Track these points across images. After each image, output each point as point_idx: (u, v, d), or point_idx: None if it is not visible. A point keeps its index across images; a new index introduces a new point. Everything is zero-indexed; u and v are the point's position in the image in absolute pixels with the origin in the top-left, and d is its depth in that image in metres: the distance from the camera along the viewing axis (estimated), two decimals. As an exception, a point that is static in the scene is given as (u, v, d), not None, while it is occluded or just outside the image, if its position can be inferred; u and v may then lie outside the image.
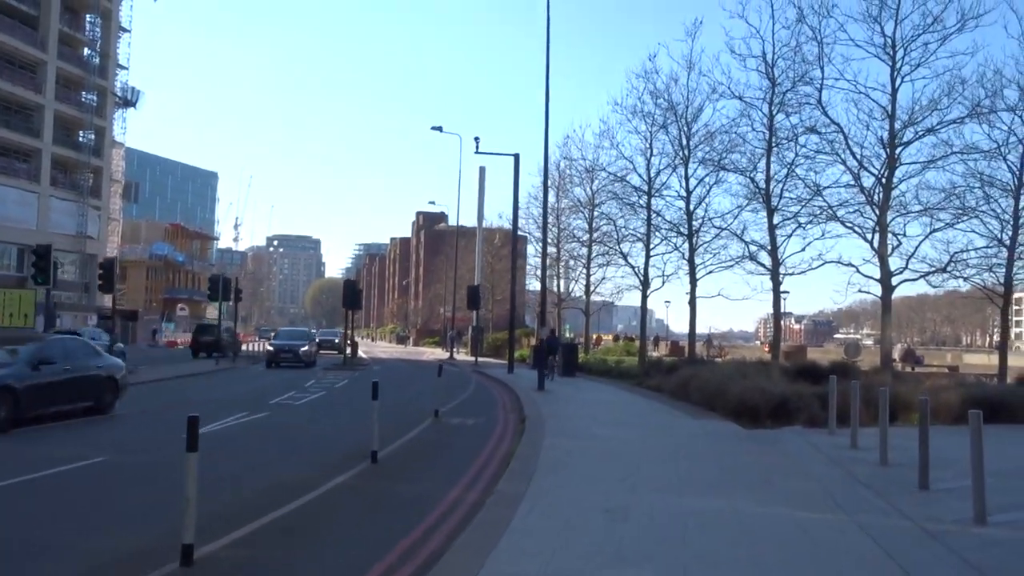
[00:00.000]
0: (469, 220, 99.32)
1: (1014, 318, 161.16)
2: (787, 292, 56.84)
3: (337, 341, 52.34)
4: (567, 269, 45.25)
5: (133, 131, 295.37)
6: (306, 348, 35.93)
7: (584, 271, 42.06)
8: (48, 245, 22.49)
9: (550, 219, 45.58)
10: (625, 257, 35.79)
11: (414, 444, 13.01)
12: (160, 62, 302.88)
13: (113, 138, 70.64)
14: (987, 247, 23.25)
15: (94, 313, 59.22)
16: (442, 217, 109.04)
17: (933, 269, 20.82)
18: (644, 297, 33.59)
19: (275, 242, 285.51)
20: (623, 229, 35.45)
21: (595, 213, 39.15)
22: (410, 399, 21.38)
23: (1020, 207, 23.44)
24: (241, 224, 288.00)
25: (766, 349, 55.04)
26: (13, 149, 58.36)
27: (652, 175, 32.06)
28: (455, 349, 55.55)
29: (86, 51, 66.56)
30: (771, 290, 24.95)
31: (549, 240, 47.37)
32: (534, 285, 51.94)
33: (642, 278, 33.24)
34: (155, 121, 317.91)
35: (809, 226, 23.89)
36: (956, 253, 20.81)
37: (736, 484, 9.10)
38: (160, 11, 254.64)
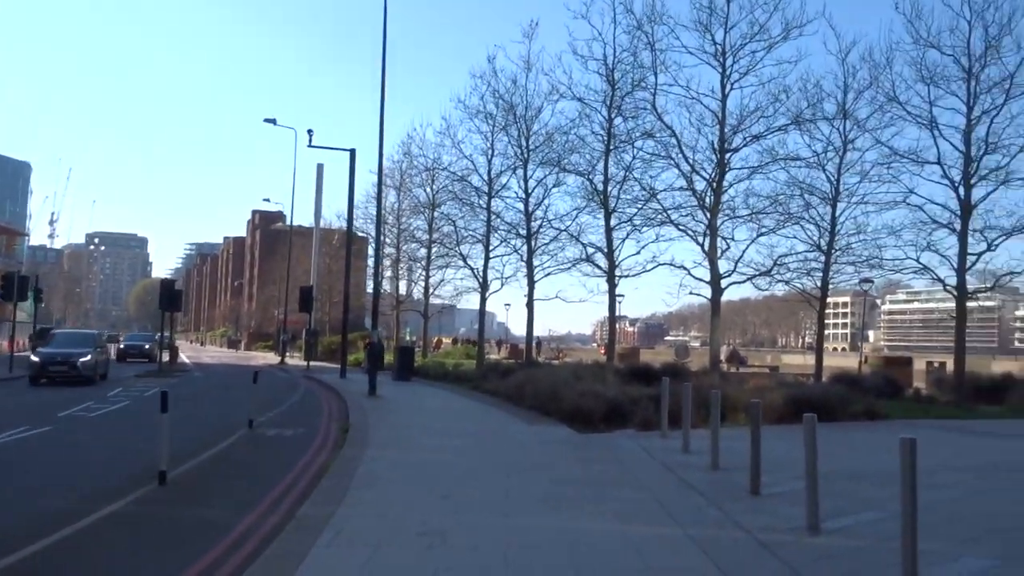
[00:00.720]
0: (307, 219, 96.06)
1: (828, 320, 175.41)
2: (622, 295, 58.02)
3: (148, 347, 45.01)
4: (407, 271, 44.20)
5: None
6: (87, 359, 26.33)
7: (424, 273, 41.19)
8: None
9: (390, 219, 44.66)
10: (464, 259, 35.28)
11: (217, 460, 11.59)
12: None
13: None
14: (807, 252, 24.32)
15: None
16: (279, 216, 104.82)
17: (758, 272, 21.46)
18: (483, 299, 33.12)
19: (96, 240, 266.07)
20: (463, 230, 34.91)
21: (435, 214, 38.38)
22: (227, 409, 19.62)
23: (836, 215, 24.72)
24: (57, 219, 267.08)
25: (602, 351, 56.25)
26: None
27: (492, 176, 31.72)
28: (288, 353, 53.09)
29: None
30: (607, 292, 25.02)
31: (389, 241, 46.42)
32: (388, 286, 50.15)
33: (481, 280, 32.81)
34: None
35: (644, 229, 24.17)
36: (780, 257, 21.57)
37: (566, 498, 8.44)
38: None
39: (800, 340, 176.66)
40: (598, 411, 15.32)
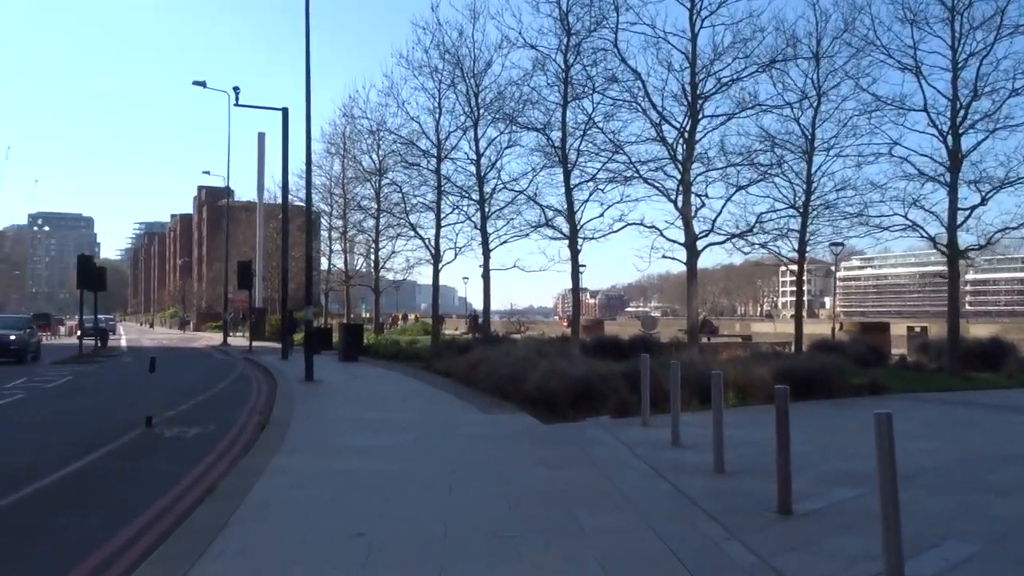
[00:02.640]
0: (252, 191, 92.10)
1: (785, 288, 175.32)
2: (584, 266, 55.99)
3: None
4: (354, 243, 41.38)
5: None
6: (16, 336, 27.63)
7: (373, 245, 38.49)
8: None
9: (336, 190, 41.79)
10: (415, 228, 32.76)
11: (81, 476, 9.05)
12: None
13: None
14: (784, 211, 22.21)
15: None
16: (226, 192, 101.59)
17: (738, 232, 19.26)
18: (436, 272, 30.63)
19: (39, 220, 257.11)
20: (412, 197, 32.29)
21: (383, 181, 35.67)
22: (138, 399, 16.97)
23: (812, 171, 22.67)
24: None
25: (565, 324, 54.12)
26: None
27: (441, 138, 29.14)
28: (235, 333, 50.12)
29: None
30: (569, 260, 22.69)
31: (335, 213, 43.55)
32: (326, 263, 47.29)
33: (433, 251, 30.33)
34: None
35: (609, 188, 21.82)
36: (762, 214, 19.41)
37: (525, 533, 6.07)
38: None
39: (759, 308, 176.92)
40: (565, 394, 13.06)
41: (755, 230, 19.21)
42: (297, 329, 41.58)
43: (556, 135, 23.26)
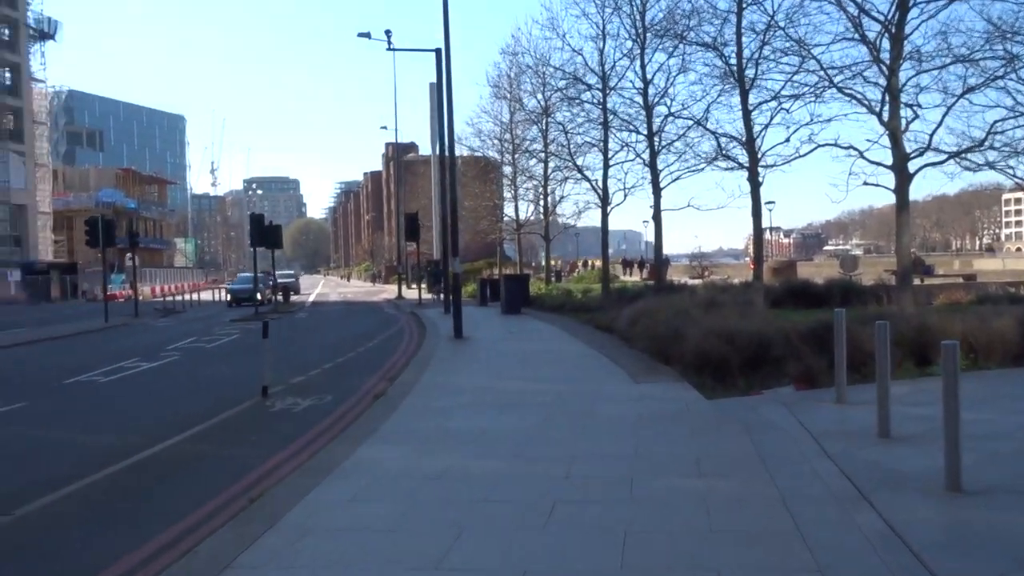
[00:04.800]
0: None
1: (1010, 219, 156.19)
2: (772, 202, 50.91)
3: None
4: (524, 190, 39.62)
5: (84, 75, 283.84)
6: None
7: (542, 191, 36.61)
8: None
9: (505, 136, 40.07)
10: (581, 170, 30.43)
11: (151, 462, 7.81)
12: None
13: (31, 75, 63.69)
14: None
15: (16, 268, 53.62)
16: (412, 147, 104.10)
17: (966, 147, 15.36)
18: (605, 215, 28.24)
19: (253, 185, 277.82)
20: (577, 136, 29.90)
21: (548, 122, 33.57)
22: (281, 361, 16.16)
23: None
24: (218, 168, 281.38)
25: (753, 267, 50.03)
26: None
27: (607, 68, 26.47)
28: (411, 286, 50.26)
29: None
30: (749, 194, 19.55)
31: (505, 159, 41.97)
32: (510, 211, 45.61)
33: (601, 193, 27.92)
34: (105, 61, 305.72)
35: (795, 106, 18.31)
36: (996, 122, 15.35)
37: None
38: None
39: (977, 242, 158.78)
40: (736, 358, 10.52)
41: (986, 144, 15.23)
42: (468, 281, 40.85)
43: (731, 50, 20.02)
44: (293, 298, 47.79)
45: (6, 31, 59.74)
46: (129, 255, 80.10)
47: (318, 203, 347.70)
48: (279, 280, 45.18)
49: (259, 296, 34.14)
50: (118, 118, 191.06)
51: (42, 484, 7.08)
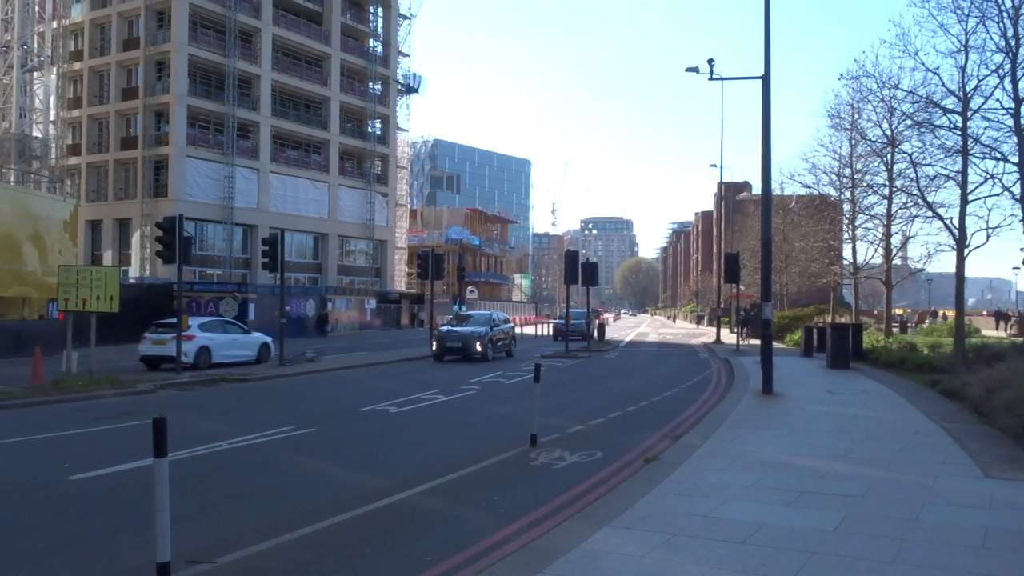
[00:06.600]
0: (776, 184, 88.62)
1: None
2: None
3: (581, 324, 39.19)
4: (864, 231, 35.46)
5: (440, 122, 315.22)
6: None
7: (883, 231, 32.44)
8: (174, 218, 19.65)
9: (842, 168, 36.38)
10: (932, 207, 26.26)
11: (377, 515, 7.18)
12: (447, 46, 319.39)
13: (397, 125, 71.69)
14: None
15: (373, 297, 59.99)
16: (745, 186, 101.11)
17: None
18: (960, 259, 23.90)
19: (589, 225, 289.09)
20: (928, 169, 25.90)
21: (894, 153, 29.70)
22: (569, 405, 15.39)
23: None
24: (558, 209, 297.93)
25: None
26: (305, 142, 60.90)
27: (967, 88, 22.54)
28: (734, 329, 47.49)
29: (371, 42, 68.07)
30: None
31: (844, 196, 38.10)
32: (847, 252, 41.39)
33: (956, 234, 23.75)
34: (455, 108, 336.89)
35: None
36: None
37: None
38: None
39: None
40: None
41: None
42: (792, 332, 37.54)
43: None
44: (612, 335, 47.67)
45: (379, 87, 67.74)
46: (470, 288, 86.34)
47: (651, 242, 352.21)
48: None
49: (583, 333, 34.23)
50: (473, 163, 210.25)
51: (273, 525, 6.75)
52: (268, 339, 24.92)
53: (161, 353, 21.77)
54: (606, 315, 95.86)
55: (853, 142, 34.23)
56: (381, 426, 12.93)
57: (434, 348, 27.16)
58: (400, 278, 73.87)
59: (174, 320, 21.07)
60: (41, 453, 10.39)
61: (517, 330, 48.48)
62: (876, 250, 34.72)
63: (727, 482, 7.96)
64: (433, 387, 18.06)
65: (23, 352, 23.38)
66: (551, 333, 42.74)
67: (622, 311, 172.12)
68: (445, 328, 28.32)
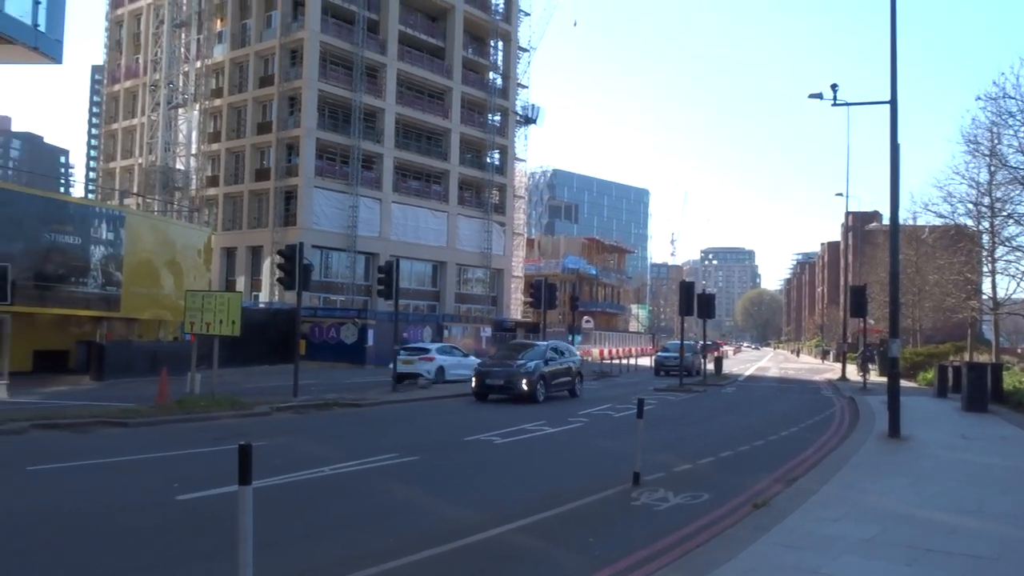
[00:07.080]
0: (908, 214, 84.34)
1: None
2: None
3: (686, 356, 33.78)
4: (1006, 264, 33.08)
5: (559, 153, 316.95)
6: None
7: (1026, 263, 30.18)
8: (295, 246, 20.39)
9: (980, 197, 34.13)
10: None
11: (459, 555, 7.03)
12: (566, 77, 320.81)
13: (515, 155, 72.58)
14: None
15: (488, 325, 60.53)
16: (874, 216, 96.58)
17: None
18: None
19: (710, 255, 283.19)
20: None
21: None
22: (680, 441, 14.91)
23: None
24: (677, 239, 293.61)
25: None
26: (426, 173, 62.52)
27: None
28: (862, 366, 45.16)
29: (490, 75, 69.38)
30: None
31: (982, 227, 35.73)
32: (986, 287, 38.70)
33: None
34: (573, 138, 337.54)
35: None
36: None
37: None
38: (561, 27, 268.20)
39: None
40: None
41: None
42: (926, 370, 35.33)
43: None
44: (730, 369, 46.25)
45: (498, 118, 68.83)
46: (586, 318, 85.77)
47: (774, 274, 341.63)
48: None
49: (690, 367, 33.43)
50: (591, 192, 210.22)
51: (360, 556, 6.71)
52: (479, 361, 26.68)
53: (411, 371, 26.73)
54: (725, 347, 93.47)
55: (992, 169, 32.12)
56: (486, 457, 12.85)
57: (473, 385, 23.02)
58: (516, 307, 74.27)
59: (419, 345, 30.17)
60: (155, 471, 10.81)
61: (631, 361, 47.82)
62: (1018, 284, 32.36)
63: (842, 534, 7.39)
64: (541, 419, 17.87)
65: (157, 371, 24.70)
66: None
67: (743, 344, 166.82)
68: (488, 361, 24.88)
